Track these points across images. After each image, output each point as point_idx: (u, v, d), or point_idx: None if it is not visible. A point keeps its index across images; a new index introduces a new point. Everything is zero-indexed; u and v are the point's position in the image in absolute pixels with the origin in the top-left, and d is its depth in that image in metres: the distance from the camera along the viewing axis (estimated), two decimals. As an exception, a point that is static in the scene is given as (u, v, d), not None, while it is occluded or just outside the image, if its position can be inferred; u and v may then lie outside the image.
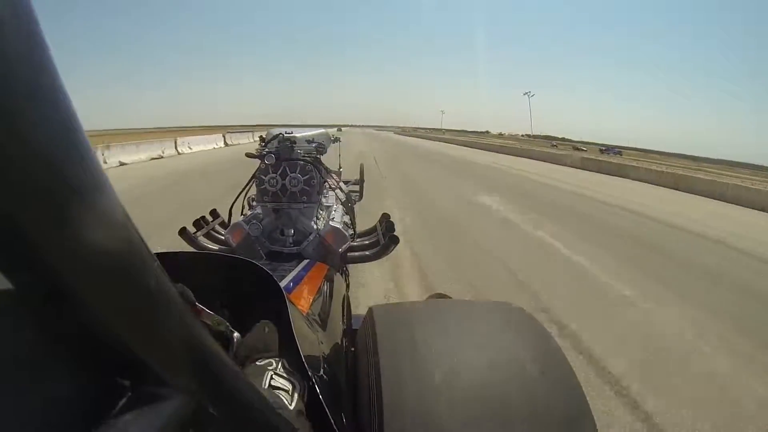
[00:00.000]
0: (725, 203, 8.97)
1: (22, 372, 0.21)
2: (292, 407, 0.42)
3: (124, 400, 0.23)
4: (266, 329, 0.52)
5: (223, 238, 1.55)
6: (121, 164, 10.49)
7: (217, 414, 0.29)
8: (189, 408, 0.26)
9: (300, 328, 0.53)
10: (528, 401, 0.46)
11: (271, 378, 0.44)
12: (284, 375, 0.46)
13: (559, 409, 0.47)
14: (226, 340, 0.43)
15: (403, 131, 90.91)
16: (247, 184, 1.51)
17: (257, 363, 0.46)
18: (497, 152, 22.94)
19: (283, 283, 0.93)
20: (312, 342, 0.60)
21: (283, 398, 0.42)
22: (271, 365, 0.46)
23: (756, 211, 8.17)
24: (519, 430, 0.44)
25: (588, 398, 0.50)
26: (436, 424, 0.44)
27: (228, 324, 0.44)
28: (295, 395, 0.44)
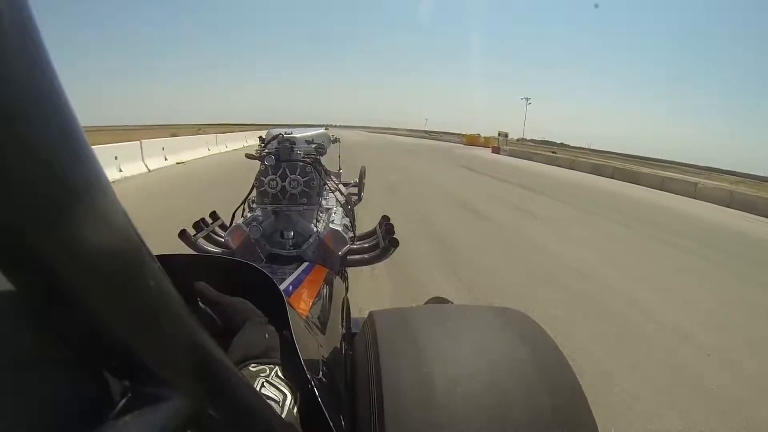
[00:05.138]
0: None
1: (22, 372, 0.21)
2: (283, 414, 0.42)
3: (124, 400, 0.23)
4: (267, 335, 0.51)
5: (223, 240, 1.55)
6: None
7: (217, 416, 0.29)
8: (189, 409, 0.26)
9: (299, 331, 0.53)
10: (529, 408, 0.46)
11: (262, 385, 0.44)
12: (276, 382, 0.45)
13: (561, 417, 0.46)
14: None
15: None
16: (251, 188, 1.51)
17: (250, 368, 0.46)
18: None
19: (282, 286, 0.92)
20: (311, 346, 0.60)
21: (273, 406, 0.42)
22: (264, 372, 0.46)
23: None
24: None
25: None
26: (437, 430, 0.44)
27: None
28: (287, 403, 0.44)
